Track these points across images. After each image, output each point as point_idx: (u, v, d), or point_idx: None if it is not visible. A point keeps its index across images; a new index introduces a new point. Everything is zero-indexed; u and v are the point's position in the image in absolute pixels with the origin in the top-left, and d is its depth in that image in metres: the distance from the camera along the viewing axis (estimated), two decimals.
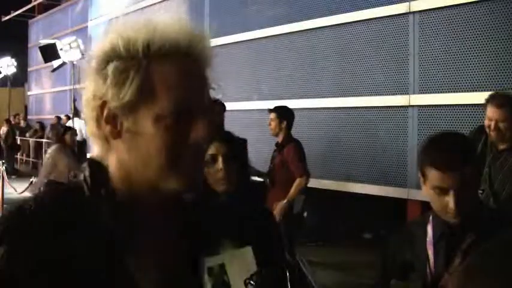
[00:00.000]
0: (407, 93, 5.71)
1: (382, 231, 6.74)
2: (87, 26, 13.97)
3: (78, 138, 9.75)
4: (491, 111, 3.17)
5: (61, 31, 16.21)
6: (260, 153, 5.67)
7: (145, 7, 10.73)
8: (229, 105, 5.49)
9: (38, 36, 18.87)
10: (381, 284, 1.83)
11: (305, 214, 6.32)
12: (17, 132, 17.07)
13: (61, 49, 11.50)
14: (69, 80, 14.45)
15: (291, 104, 5.74)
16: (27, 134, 17.25)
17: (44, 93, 18.78)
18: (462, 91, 5.20)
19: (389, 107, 5.93)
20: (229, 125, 4.93)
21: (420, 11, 5.60)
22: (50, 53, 11.80)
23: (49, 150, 7.31)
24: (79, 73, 11.15)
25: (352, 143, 6.33)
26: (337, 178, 6.48)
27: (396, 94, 5.83)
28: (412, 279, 1.70)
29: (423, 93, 5.58)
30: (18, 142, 16.95)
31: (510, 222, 1.73)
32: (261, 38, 7.71)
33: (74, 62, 11.54)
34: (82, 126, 11.01)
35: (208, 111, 0.95)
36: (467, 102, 5.11)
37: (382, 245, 1.87)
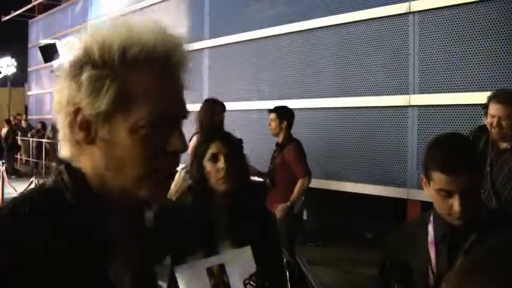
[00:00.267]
0: (407, 93, 5.71)
1: (382, 231, 6.73)
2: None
3: None
4: (494, 108, 3.16)
5: (61, 31, 16.20)
6: (260, 154, 5.67)
7: (145, 7, 10.74)
8: (229, 105, 5.49)
9: (38, 36, 18.86)
10: (381, 285, 1.83)
11: (305, 214, 6.33)
12: (19, 133, 17.07)
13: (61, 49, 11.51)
14: None
15: (291, 104, 5.74)
16: (29, 134, 17.25)
17: (44, 93, 18.77)
18: (462, 91, 5.20)
19: (389, 107, 5.93)
20: (229, 125, 4.93)
21: (420, 11, 5.60)
22: (50, 53, 11.82)
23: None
24: None
25: (352, 143, 6.33)
26: (337, 178, 6.48)
27: (396, 94, 5.83)
28: (413, 280, 1.70)
29: (423, 93, 5.58)
30: (19, 142, 16.96)
31: (511, 222, 1.73)
32: (261, 38, 7.71)
33: None
34: None
35: (184, 119, 0.93)
36: (467, 102, 5.11)
37: (381, 245, 1.87)
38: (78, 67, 0.87)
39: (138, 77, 0.87)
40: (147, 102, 0.87)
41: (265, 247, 2.04)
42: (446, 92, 5.34)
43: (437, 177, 1.55)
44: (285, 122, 4.96)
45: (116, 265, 0.89)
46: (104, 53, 0.86)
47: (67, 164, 0.91)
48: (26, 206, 0.86)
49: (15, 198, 0.91)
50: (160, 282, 1.04)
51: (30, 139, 16.92)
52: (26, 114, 20.86)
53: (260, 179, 5.15)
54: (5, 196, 9.19)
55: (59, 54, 11.58)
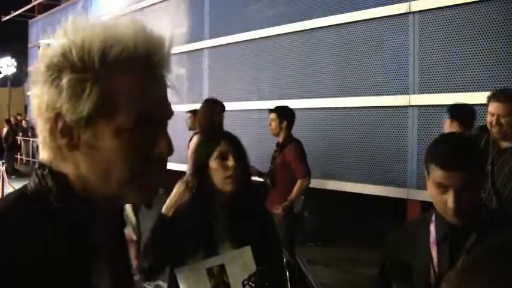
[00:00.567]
0: (407, 93, 5.71)
1: (382, 231, 6.74)
2: None
3: None
4: (493, 106, 3.18)
5: None
6: (260, 154, 5.67)
7: (145, 7, 10.74)
8: (229, 105, 5.49)
9: (38, 36, 18.86)
10: (381, 285, 1.83)
11: (305, 214, 6.33)
12: (20, 134, 17.08)
13: None
14: None
15: (291, 104, 5.74)
16: (30, 134, 17.26)
17: None
18: (462, 91, 5.20)
19: (389, 107, 5.93)
20: (229, 125, 4.93)
21: (420, 11, 5.60)
22: None
23: None
24: None
25: (352, 143, 6.33)
26: (337, 178, 6.48)
27: (396, 94, 5.83)
28: (413, 280, 1.70)
29: (423, 93, 5.58)
30: (19, 142, 16.97)
31: (511, 222, 1.73)
32: (261, 38, 7.71)
33: None
34: None
35: (169, 119, 0.91)
36: (467, 102, 5.11)
37: (382, 245, 1.87)
38: (56, 71, 0.83)
39: (120, 79, 0.85)
40: (131, 105, 0.84)
41: (265, 247, 2.04)
42: (446, 92, 5.34)
43: (435, 171, 1.58)
44: (285, 122, 4.96)
45: (99, 270, 0.88)
46: (83, 56, 0.83)
47: (50, 168, 0.88)
48: (9, 213, 0.85)
49: None
50: (160, 283, 1.05)
51: (31, 139, 16.92)
52: (26, 114, 20.88)
53: (260, 179, 5.15)
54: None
55: None
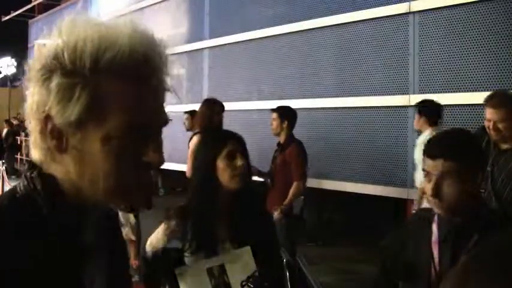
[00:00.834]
0: (407, 93, 5.71)
1: (382, 231, 6.73)
2: None
3: None
4: (488, 113, 3.20)
5: None
6: (260, 153, 5.67)
7: (145, 7, 10.73)
8: (229, 105, 5.49)
9: (38, 36, 18.82)
10: (381, 284, 1.83)
11: (305, 214, 6.33)
12: (23, 134, 17.07)
13: None
14: None
15: (291, 104, 5.74)
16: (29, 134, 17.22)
17: None
18: (462, 91, 5.20)
19: (389, 107, 5.93)
20: (229, 125, 4.93)
21: (420, 11, 5.60)
22: None
23: None
24: None
25: (352, 143, 6.33)
26: (337, 178, 6.48)
27: (396, 94, 5.83)
28: (414, 279, 1.70)
29: (423, 93, 5.58)
30: (20, 142, 16.96)
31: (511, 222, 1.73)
32: (261, 38, 7.71)
33: None
34: None
35: (162, 127, 0.88)
36: (467, 102, 5.11)
37: (382, 245, 1.87)
38: (48, 71, 0.81)
39: (112, 85, 0.81)
40: (121, 112, 0.82)
41: (265, 247, 2.04)
42: (446, 92, 5.34)
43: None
44: (286, 122, 4.95)
45: (90, 272, 0.87)
46: (75, 59, 0.80)
47: (39, 170, 0.87)
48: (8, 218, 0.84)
49: None
50: None
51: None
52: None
53: (260, 179, 5.15)
54: None
55: None
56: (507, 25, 4.87)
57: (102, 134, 0.82)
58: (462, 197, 1.61)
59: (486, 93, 3.42)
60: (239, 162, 2.03)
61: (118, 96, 0.82)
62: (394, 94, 5.86)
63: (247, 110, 7.83)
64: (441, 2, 5.38)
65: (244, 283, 1.88)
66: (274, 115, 5.01)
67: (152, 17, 10.28)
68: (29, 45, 20.49)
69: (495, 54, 4.95)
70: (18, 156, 17.55)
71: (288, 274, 2.86)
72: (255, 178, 4.81)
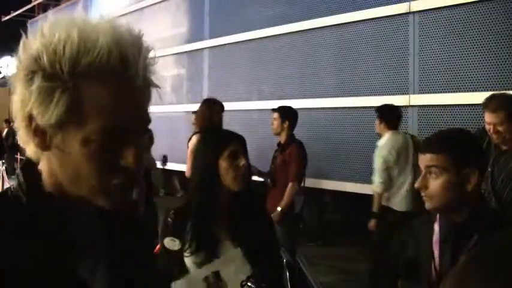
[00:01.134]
0: (408, 93, 5.71)
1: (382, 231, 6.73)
2: None
3: None
4: (487, 116, 3.21)
5: None
6: (260, 153, 5.67)
7: (145, 7, 10.73)
8: (229, 105, 5.49)
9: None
10: (385, 284, 1.84)
11: (305, 214, 6.33)
12: None
13: None
14: None
15: (291, 104, 5.74)
16: None
17: None
18: (462, 91, 5.20)
19: None
20: (229, 125, 4.93)
21: (420, 11, 5.60)
22: None
23: None
24: None
25: (352, 143, 6.33)
26: (337, 178, 6.48)
27: (396, 94, 5.83)
28: (416, 277, 1.70)
29: (423, 93, 5.58)
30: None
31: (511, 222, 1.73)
32: (261, 38, 7.71)
33: None
34: None
35: (144, 130, 0.89)
36: (467, 102, 5.11)
37: (381, 245, 1.88)
38: (30, 72, 0.82)
39: (91, 89, 0.82)
40: (100, 116, 0.82)
41: (264, 247, 2.04)
42: (446, 92, 5.34)
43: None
44: (287, 122, 4.96)
45: (85, 270, 0.88)
46: (54, 62, 0.81)
47: (23, 167, 0.90)
48: None
49: None
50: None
51: None
52: None
53: (260, 179, 5.16)
54: None
55: None
56: (507, 25, 4.87)
57: (81, 136, 0.83)
58: (448, 190, 1.61)
59: (486, 93, 3.42)
60: (242, 162, 2.03)
61: (97, 99, 0.82)
62: (394, 94, 5.86)
63: (247, 110, 7.83)
64: (441, 2, 5.38)
65: (244, 283, 1.88)
66: (275, 115, 5.01)
67: (152, 17, 10.28)
68: None
69: (495, 54, 4.95)
70: (18, 156, 17.55)
71: (288, 274, 2.86)
72: (255, 178, 4.82)
